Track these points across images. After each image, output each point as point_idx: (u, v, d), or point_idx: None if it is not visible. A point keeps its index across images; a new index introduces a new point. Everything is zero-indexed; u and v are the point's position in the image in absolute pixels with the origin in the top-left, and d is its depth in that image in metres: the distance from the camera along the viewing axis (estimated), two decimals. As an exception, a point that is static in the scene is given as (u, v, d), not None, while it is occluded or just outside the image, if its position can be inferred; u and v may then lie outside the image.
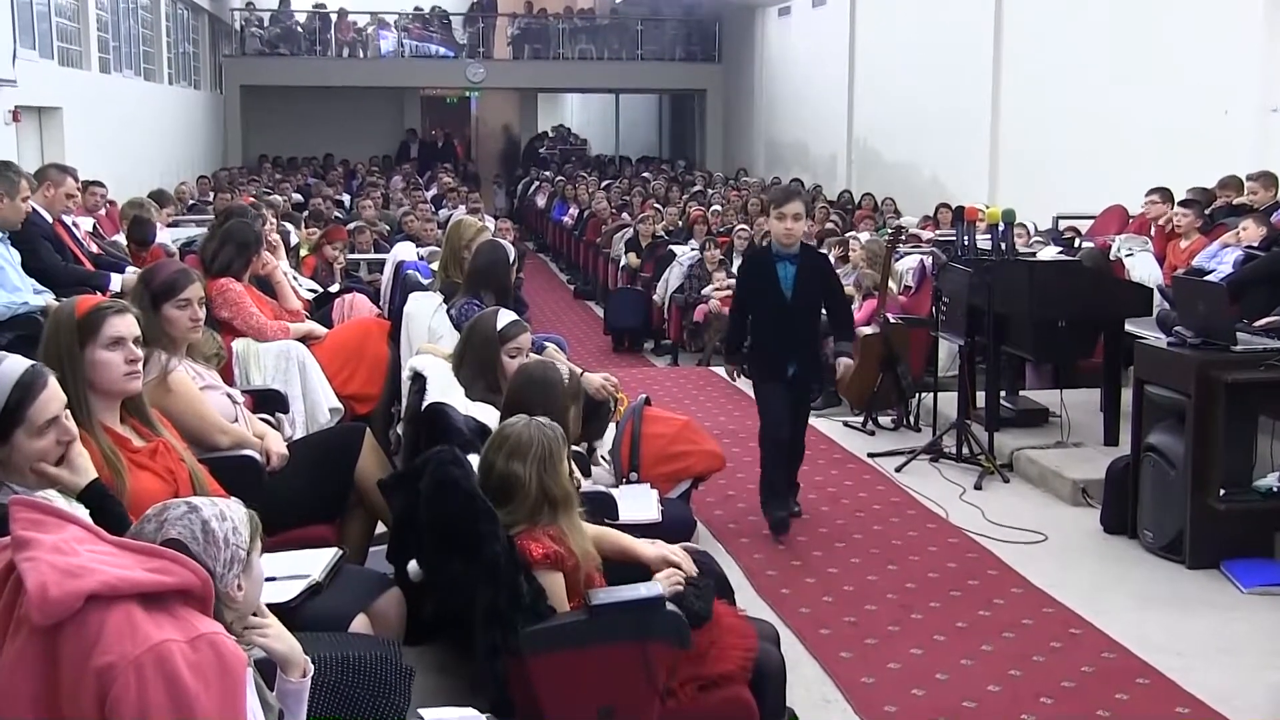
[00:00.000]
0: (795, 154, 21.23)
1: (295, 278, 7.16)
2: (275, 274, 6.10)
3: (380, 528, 4.37)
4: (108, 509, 2.75)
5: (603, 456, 5.23)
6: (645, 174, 22.42)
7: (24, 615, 1.83)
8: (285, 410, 4.90)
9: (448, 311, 5.50)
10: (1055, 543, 5.75)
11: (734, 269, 11.83)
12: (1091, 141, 12.35)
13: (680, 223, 14.83)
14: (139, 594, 1.86)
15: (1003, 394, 7.27)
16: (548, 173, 23.74)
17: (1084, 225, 10.74)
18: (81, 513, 2.61)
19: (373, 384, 5.64)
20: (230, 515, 2.20)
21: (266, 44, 25.10)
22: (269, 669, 2.33)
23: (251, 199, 11.82)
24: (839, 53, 18.94)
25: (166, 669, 1.79)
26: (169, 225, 9.92)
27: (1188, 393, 5.30)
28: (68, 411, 2.72)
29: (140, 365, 3.26)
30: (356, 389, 5.57)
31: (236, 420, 4.13)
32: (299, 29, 25.28)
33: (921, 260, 9.17)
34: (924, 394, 7.75)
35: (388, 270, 7.33)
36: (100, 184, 9.70)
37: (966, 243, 7.29)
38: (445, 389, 4.43)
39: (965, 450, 6.78)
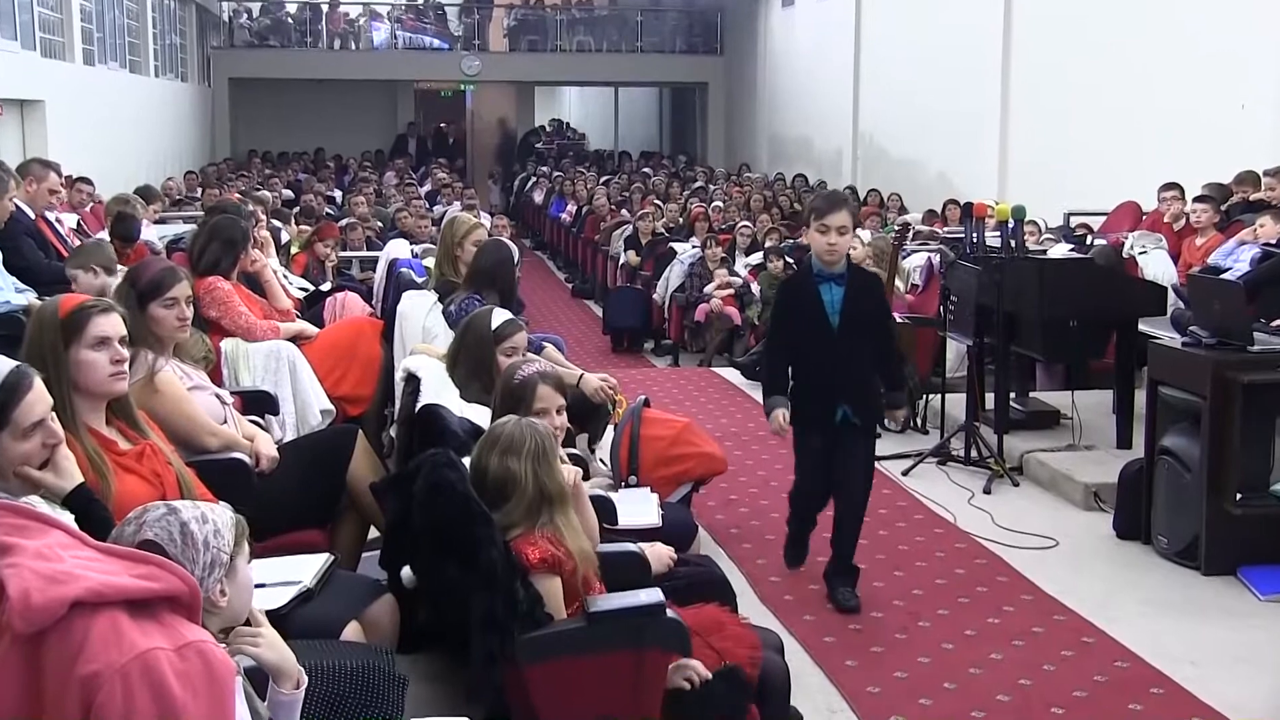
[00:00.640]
0: (799, 149, 21.23)
1: (285, 276, 7.17)
2: (264, 272, 6.11)
3: (373, 533, 4.37)
4: (93, 514, 2.75)
5: (601, 459, 5.23)
6: (645, 169, 22.43)
7: (6, 623, 1.83)
8: (275, 412, 4.91)
9: (447, 308, 5.50)
10: (1066, 548, 5.75)
11: (736, 267, 11.90)
12: (1104, 135, 12.34)
13: (681, 220, 14.85)
14: (125, 601, 1.86)
15: (1012, 395, 7.27)
16: (545, 168, 23.75)
17: (1096, 222, 10.74)
18: (66, 518, 2.61)
19: (365, 385, 5.64)
20: (212, 518, 2.19)
21: (256, 35, 25.12)
22: (260, 678, 2.33)
23: (240, 195, 11.83)
24: (844, 45, 18.94)
25: (153, 678, 1.79)
26: (155, 222, 9.92)
27: (1203, 394, 5.30)
28: (53, 414, 2.72)
29: (126, 366, 3.26)
30: (348, 390, 5.58)
31: (225, 422, 4.13)
32: (289, 20, 25.29)
33: (929, 258, 9.17)
34: (931, 395, 7.75)
35: (381, 268, 7.33)
36: (86, 180, 9.71)
37: (975, 240, 7.29)
38: (440, 390, 4.43)
39: (974, 453, 6.78)
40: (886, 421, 5.36)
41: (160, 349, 4.00)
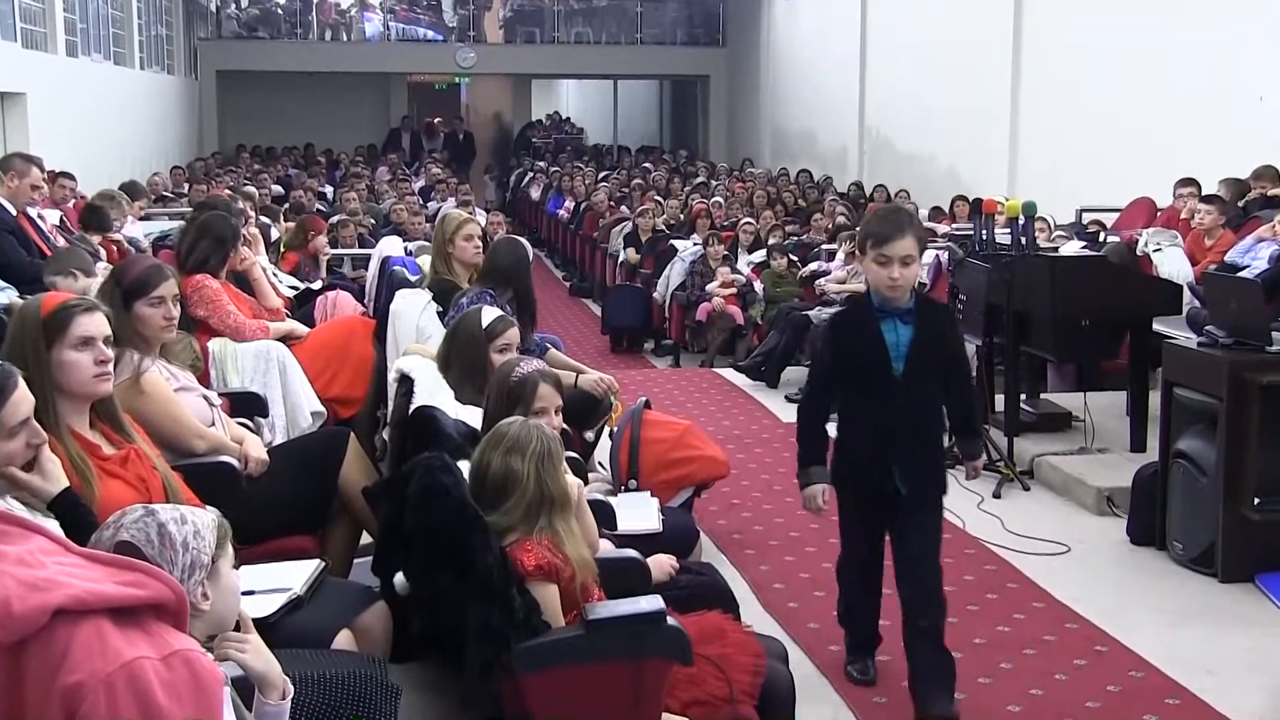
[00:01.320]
0: (803, 144, 21.24)
1: (275, 274, 7.17)
2: (254, 270, 6.11)
3: (365, 538, 4.37)
4: (79, 519, 2.75)
5: (600, 463, 5.23)
6: (645, 164, 22.44)
7: (-13, 631, 1.83)
8: (265, 414, 4.91)
9: (457, 301, 5.49)
10: (1079, 554, 5.75)
11: (738, 265, 11.90)
12: (1117, 129, 12.34)
13: (682, 216, 14.85)
14: (109, 609, 1.86)
15: (1023, 397, 7.27)
16: (542, 163, 23.76)
17: (1109, 218, 10.73)
18: (50, 523, 2.61)
19: (357, 386, 5.64)
20: (192, 519, 2.21)
21: (244, 26, 25.13)
22: (248, 687, 2.33)
23: (228, 191, 11.83)
24: (849, 36, 18.94)
25: (138, 687, 1.79)
26: (141, 219, 9.93)
27: (1219, 396, 5.30)
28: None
29: (111, 366, 3.26)
30: (340, 391, 5.58)
31: (213, 424, 4.13)
32: (278, 10, 25.31)
33: (937, 256, 9.17)
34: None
35: (373, 266, 7.33)
36: (69, 175, 9.71)
37: (985, 237, 7.30)
38: (434, 391, 4.43)
39: (983, 456, 6.76)
40: (960, 475, 4.67)
41: (146, 349, 4.00)
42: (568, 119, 32.08)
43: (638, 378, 9.65)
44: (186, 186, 15.48)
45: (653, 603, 3.20)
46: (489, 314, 4.61)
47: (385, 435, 5.45)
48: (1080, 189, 11.91)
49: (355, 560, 4.34)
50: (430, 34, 25.88)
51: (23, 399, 2.65)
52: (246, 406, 4.77)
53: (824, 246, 12.07)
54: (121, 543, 2.11)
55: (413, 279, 6.52)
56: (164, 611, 1.93)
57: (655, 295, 12.30)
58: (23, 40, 13.67)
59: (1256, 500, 5.24)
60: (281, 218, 10.61)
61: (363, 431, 5.37)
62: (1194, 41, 11.36)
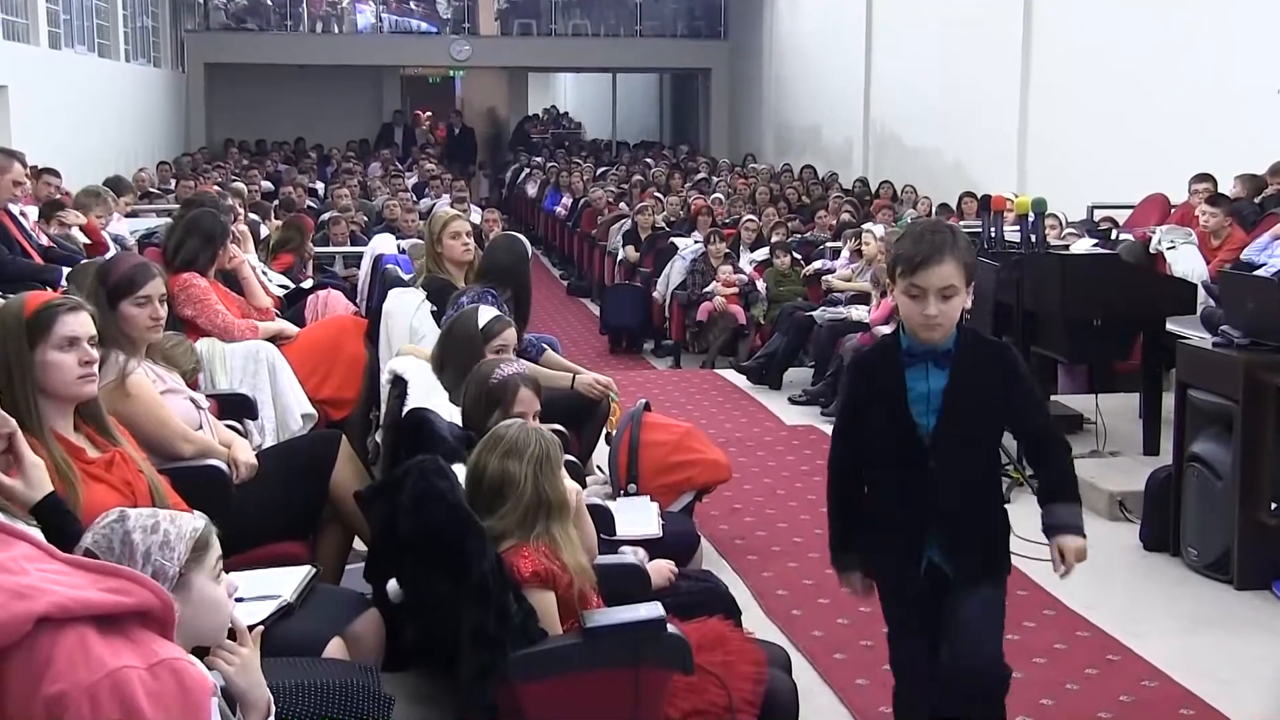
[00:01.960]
0: (807, 139, 21.25)
1: (265, 272, 7.16)
2: (242, 268, 6.11)
3: (357, 544, 4.37)
4: (64, 525, 2.74)
5: (599, 467, 5.24)
6: (645, 160, 22.44)
7: (-33, 640, 1.83)
8: (254, 416, 4.90)
9: (457, 300, 5.49)
10: (1090, 561, 5.64)
11: (740, 263, 11.90)
12: (1130, 124, 12.34)
13: (682, 213, 14.84)
14: (94, 616, 1.86)
15: (1033, 399, 7.26)
16: (539, 159, 23.77)
17: (1121, 215, 10.73)
18: (34, 530, 2.61)
19: (349, 387, 5.64)
20: (165, 528, 2.19)
21: (232, 18, 25.12)
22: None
23: (216, 187, 11.83)
24: (855, 28, 18.95)
25: (123, 697, 1.79)
26: (127, 215, 9.92)
27: (1235, 398, 5.30)
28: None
29: (96, 367, 3.26)
30: (331, 393, 5.58)
31: (201, 427, 4.13)
32: (268, 2, 25.29)
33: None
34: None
35: (365, 264, 7.33)
36: (52, 171, 9.70)
37: (993, 235, 7.29)
38: (428, 393, 4.43)
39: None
40: (1056, 562, 3.69)
41: (132, 350, 4.00)
42: (565, 113, 32.09)
43: (637, 379, 9.65)
44: (174, 182, 15.46)
45: (652, 610, 3.21)
46: (485, 313, 4.61)
47: (378, 438, 5.46)
48: (1092, 185, 11.91)
49: (347, 566, 4.34)
50: (424, 26, 25.89)
51: None
52: (235, 409, 4.77)
53: (828, 244, 12.07)
54: (85, 550, 2.11)
55: (406, 277, 6.52)
56: (150, 619, 1.92)
57: (655, 294, 12.29)
58: (4, 32, 13.68)
59: (1273, 505, 5.24)
60: (271, 214, 10.61)
61: (355, 434, 5.37)
62: (1209, 34, 11.37)
